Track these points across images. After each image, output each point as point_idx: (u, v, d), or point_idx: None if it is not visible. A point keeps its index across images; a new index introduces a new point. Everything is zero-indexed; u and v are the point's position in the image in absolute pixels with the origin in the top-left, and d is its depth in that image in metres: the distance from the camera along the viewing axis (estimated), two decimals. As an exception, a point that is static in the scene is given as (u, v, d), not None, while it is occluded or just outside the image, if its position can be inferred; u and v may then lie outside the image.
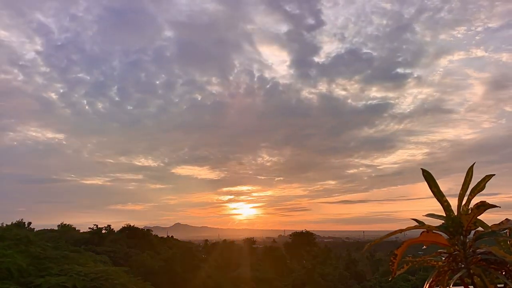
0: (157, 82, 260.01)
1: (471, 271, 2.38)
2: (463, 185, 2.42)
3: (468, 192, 2.41)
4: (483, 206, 2.21)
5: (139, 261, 40.52)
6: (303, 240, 70.48)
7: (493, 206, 2.22)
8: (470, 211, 2.30)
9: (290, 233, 77.19)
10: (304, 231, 73.66)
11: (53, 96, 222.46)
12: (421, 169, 2.45)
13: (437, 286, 2.50)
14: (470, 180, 2.40)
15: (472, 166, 2.46)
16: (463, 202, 2.41)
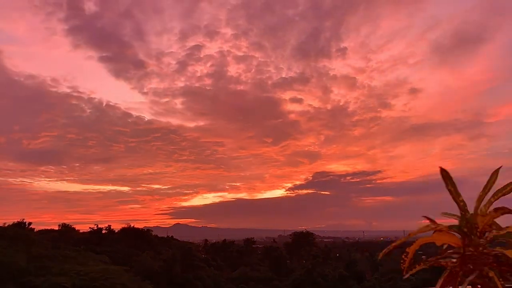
0: None
1: (483, 272, 2.33)
2: (484, 187, 2.37)
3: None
4: (501, 210, 2.15)
5: (139, 261, 40.46)
6: (303, 240, 70.46)
7: None
8: (487, 213, 2.24)
9: (290, 233, 77.18)
10: (304, 231, 73.69)
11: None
12: (439, 167, 2.38)
13: (448, 287, 2.45)
14: (493, 183, 2.33)
15: (498, 170, 2.38)
16: (483, 204, 2.35)
